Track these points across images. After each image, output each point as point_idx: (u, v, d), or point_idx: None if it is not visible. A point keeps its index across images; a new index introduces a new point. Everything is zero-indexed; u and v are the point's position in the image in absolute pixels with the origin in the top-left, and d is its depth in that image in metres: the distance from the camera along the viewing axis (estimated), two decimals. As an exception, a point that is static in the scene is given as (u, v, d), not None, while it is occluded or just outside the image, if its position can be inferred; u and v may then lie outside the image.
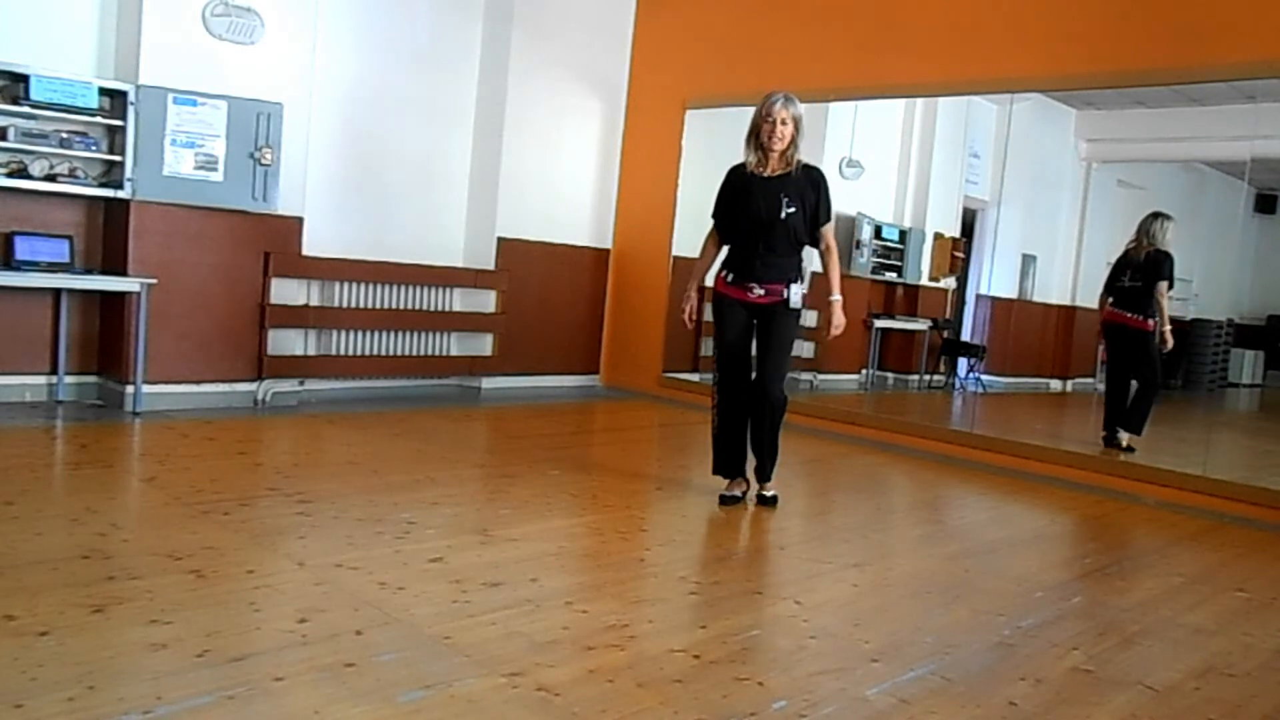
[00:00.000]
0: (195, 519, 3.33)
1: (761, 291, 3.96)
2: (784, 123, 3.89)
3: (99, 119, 4.97)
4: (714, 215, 4.16)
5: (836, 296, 4.04)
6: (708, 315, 4.38)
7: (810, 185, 3.96)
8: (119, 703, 1.98)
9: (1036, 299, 7.87)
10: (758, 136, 3.95)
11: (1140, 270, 5.87)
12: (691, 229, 7.25)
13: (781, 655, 2.55)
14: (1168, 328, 5.86)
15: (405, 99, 6.50)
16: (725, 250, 4.15)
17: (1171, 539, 4.26)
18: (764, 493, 4.17)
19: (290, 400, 5.83)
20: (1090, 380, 8.01)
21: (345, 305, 6.11)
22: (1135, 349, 5.95)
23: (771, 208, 3.92)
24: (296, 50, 5.58)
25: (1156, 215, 5.93)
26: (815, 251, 4.10)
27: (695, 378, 7.33)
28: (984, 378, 7.88)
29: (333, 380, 6.17)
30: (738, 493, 4.17)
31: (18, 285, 4.89)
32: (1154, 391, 5.95)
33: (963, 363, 8.11)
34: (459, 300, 6.71)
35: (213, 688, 2.07)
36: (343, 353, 6.15)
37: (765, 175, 3.95)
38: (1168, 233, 5.87)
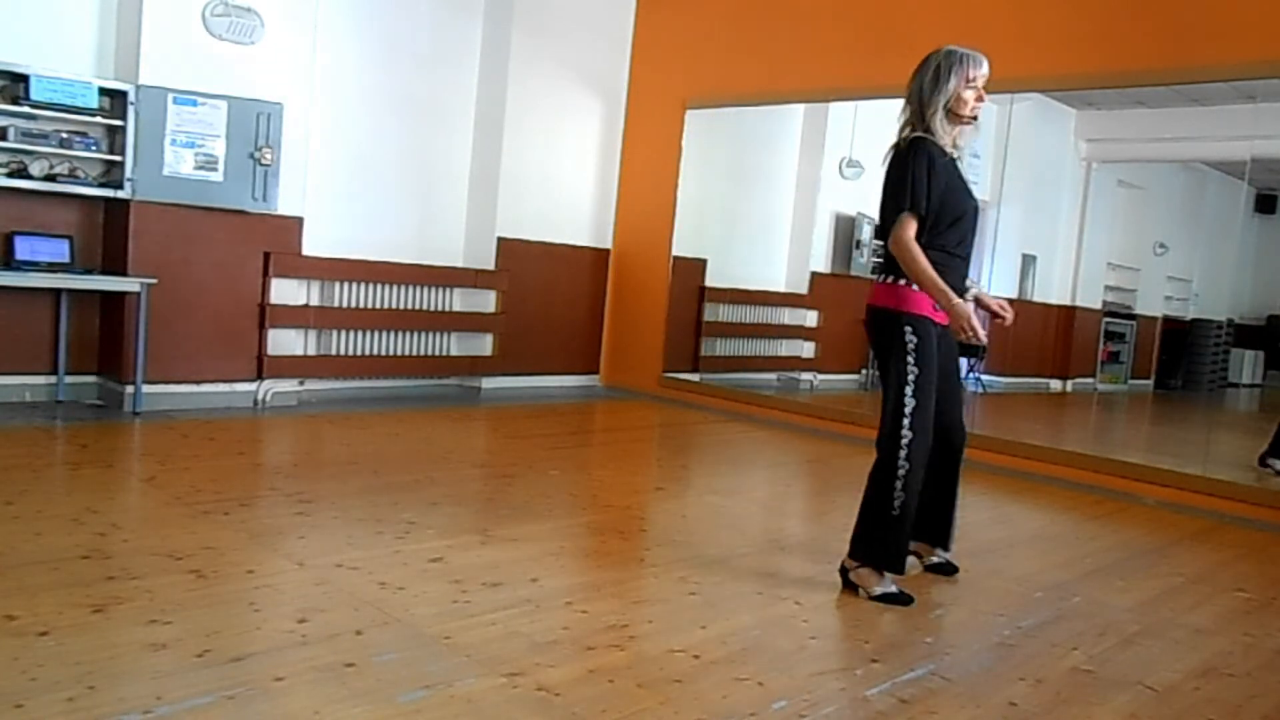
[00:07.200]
0: (195, 519, 3.33)
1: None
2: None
3: (99, 119, 4.97)
4: (919, 207, 2.91)
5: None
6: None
7: None
8: (119, 703, 1.98)
9: (1036, 299, 7.87)
10: (951, 107, 2.93)
11: None
12: (691, 229, 7.27)
13: (781, 655, 2.55)
14: None
15: (405, 99, 6.50)
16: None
17: (1171, 539, 4.26)
18: (950, 559, 3.36)
19: (290, 400, 5.83)
20: (1089, 380, 8.01)
21: (345, 305, 6.11)
22: None
23: (974, 201, 3.02)
24: (296, 50, 5.58)
25: None
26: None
27: (695, 378, 7.33)
28: (984, 377, 7.88)
29: (333, 380, 6.17)
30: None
31: (18, 285, 4.89)
32: None
33: (962, 362, 8.11)
34: (459, 300, 6.71)
35: (213, 688, 2.07)
36: (343, 353, 6.15)
37: (956, 158, 3.01)
38: None
